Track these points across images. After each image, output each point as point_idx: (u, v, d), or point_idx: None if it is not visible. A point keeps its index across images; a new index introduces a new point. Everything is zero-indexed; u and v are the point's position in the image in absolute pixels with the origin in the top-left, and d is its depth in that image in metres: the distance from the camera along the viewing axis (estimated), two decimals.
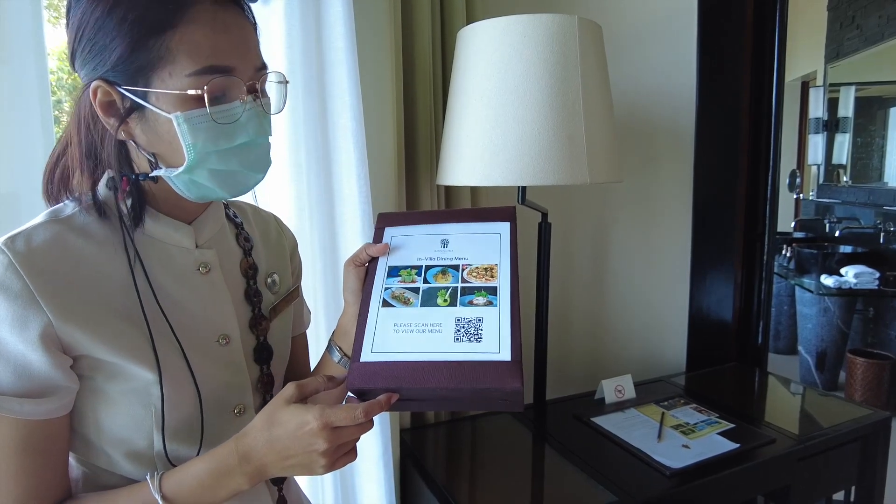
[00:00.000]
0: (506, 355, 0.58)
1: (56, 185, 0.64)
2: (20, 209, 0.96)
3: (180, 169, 0.58)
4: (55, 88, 1.00)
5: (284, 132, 1.06)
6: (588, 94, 1.07)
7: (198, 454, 0.62)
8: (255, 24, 0.62)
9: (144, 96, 0.56)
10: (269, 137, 0.63)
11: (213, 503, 0.58)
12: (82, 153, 0.61)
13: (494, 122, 1.05)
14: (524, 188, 1.19)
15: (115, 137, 0.59)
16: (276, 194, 1.09)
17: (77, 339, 0.55)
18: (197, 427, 0.63)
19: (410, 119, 1.27)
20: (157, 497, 0.56)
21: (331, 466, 0.58)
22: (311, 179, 1.10)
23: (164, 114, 0.56)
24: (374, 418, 1.19)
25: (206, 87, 0.55)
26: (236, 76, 0.57)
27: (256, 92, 0.59)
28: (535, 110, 1.03)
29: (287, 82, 0.66)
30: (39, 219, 0.59)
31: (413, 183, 1.30)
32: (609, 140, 1.13)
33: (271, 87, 0.65)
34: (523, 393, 0.57)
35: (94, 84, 0.57)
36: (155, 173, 0.60)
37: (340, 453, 0.58)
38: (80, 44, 0.58)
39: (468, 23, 1.20)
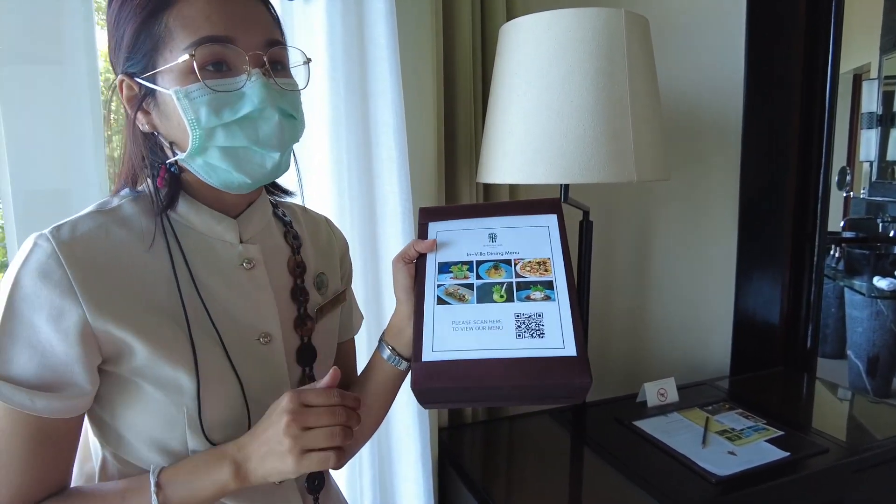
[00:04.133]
0: (571, 350, 0.58)
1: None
2: (71, 205, 0.99)
3: (190, 149, 0.58)
4: (104, 88, 1.02)
5: (327, 129, 1.07)
6: (635, 89, 1.04)
7: None
8: (268, 2, 0.62)
9: (154, 80, 0.57)
10: (289, 115, 0.61)
11: (202, 499, 0.57)
12: (125, 149, 0.63)
13: (538, 118, 1.03)
14: (567, 186, 1.17)
15: (139, 130, 0.61)
16: (318, 191, 1.09)
17: (111, 332, 0.55)
18: (233, 427, 0.62)
19: (451, 116, 1.26)
20: (153, 481, 0.56)
21: (297, 455, 0.55)
22: (352, 176, 1.10)
23: (167, 92, 0.57)
24: (406, 418, 1.17)
25: (194, 54, 0.55)
26: (235, 46, 0.57)
27: (264, 64, 0.58)
28: (580, 106, 1.01)
29: (309, 61, 0.66)
30: (88, 209, 0.61)
31: (452, 180, 1.29)
32: (656, 136, 1.10)
33: (297, 70, 0.65)
34: (591, 386, 0.57)
35: (118, 79, 0.60)
36: (173, 159, 0.60)
37: (307, 439, 0.55)
38: (110, 43, 0.60)
39: (508, 19, 1.18)
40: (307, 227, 0.78)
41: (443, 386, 0.58)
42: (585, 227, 1.25)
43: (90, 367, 0.56)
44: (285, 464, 0.55)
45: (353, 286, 1.11)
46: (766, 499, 1.05)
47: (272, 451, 0.55)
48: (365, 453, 1.16)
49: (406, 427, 1.17)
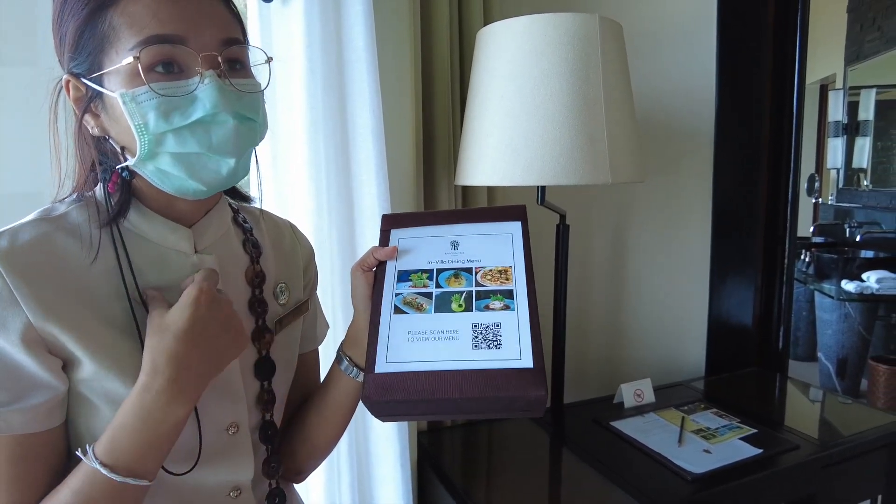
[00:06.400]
0: (527, 362, 0.56)
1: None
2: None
3: (139, 155, 0.54)
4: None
5: (304, 131, 1.06)
6: (609, 93, 1.06)
7: (191, 470, 0.60)
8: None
9: (100, 81, 0.54)
10: (247, 119, 0.57)
11: (151, 442, 0.52)
12: (74, 152, 0.60)
13: (515, 121, 1.04)
14: (543, 189, 1.18)
15: (88, 133, 0.58)
16: (296, 193, 1.09)
17: (58, 340, 0.53)
18: (182, 444, 0.58)
19: (429, 119, 1.27)
20: (96, 465, 0.51)
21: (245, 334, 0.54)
22: (330, 178, 1.10)
23: (113, 95, 0.53)
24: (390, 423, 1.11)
25: (139, 56, 0.51)
26: (186, 46, 0.53)
27: (219, 66, 0.54)
28: (555, 110, 1.03)
29: (270, 59, 0.62)
30: (29, 217, 0.57)
31: (431, 183, 1.30)
32: (630, 140, 1.12)
33: (260, 69, 0.61)
34: (546, 400, 0.55)
35: (63, 79, 0.57)
36: (124, 164, 0.57)
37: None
38: (55, 39, 0.57)
39: (486, 23, 1.19)
40: (269, 233, 0.74)
41: (395, 399, 0.56)
42: (562, 231, 1.26)
43: (51, 367, 0.53)
44: (235, 349, 0.54)
45: (330, 291, 1.12)
46: (740, 495, 1.07)
47: (204, 333, 0.53)
48: (343, 456, 1.15)
49: (385, 430, 1.17)
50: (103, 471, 0.51)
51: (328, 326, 0.86)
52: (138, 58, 0.51)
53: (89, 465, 0.51)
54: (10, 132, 0.95)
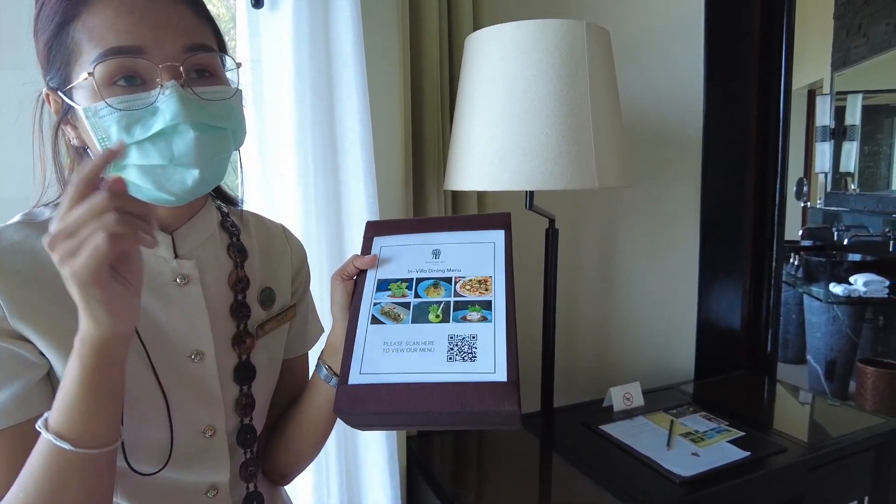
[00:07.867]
0: (501, 376, 0.55)
1: None
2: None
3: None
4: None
5: (293, 136, 1.07)
6: (596, 98, 1.07)
7: (159, 471, 0.59)
8: (194, 1, 0.57)
9: (70, 95, 0.55)
10: (214, 128, 0.56)
11: (88, 393, 0.48)
12: (52, 163, 0.61)
13: (503, 126, 1.05)
14: (532, 193, 1.19)
15: (67, 143, 0.59)
16: (285, 198, 1.09)
17: (32, 342, 0.53)
18: (156, 447, 0.59)
19: (418, 124, 1.28)
20: (43, 431, 0.49)
21: (77, 283, 0.44)
22: (318, 183, 1.10)
23: (79, 108, 0.53)
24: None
25: (93, 72, 0.51)
26: (145, 58, 0.52)
27: (181, 76, 0.54)
28: (543, 115, 1.03)
29: (239, 65, 0.61)
30: (12, 220, 0.58)
31: (420, 188, 1.30)
32: (617, 145, 1.13)
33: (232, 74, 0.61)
34: (520, 414, 0.55)
35: (43, 93, 0.57)
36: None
37: (74, 257, 0.43)
38: (36, 55, 0.58)
39: (475, 29, 1.20)
40: (259, 237, 0.74)
41: (367, 411, 0.55)
42: (551, 235, 1.27)
43: (28, 350, 0.53)
44: (73, 276, 0.44)
45: (318, 296, 1.10)
46: (728, 497, 1.07)
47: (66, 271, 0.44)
48: (332, 461, 1.14)
49: (374, 434, 1.17)
50: (40, 425, 0.49)
51: (322, 331, 0.85)
52: (92, 74, 0.51)
53: (43, 434, 0.49)
54: (2, 137, 0.95)
